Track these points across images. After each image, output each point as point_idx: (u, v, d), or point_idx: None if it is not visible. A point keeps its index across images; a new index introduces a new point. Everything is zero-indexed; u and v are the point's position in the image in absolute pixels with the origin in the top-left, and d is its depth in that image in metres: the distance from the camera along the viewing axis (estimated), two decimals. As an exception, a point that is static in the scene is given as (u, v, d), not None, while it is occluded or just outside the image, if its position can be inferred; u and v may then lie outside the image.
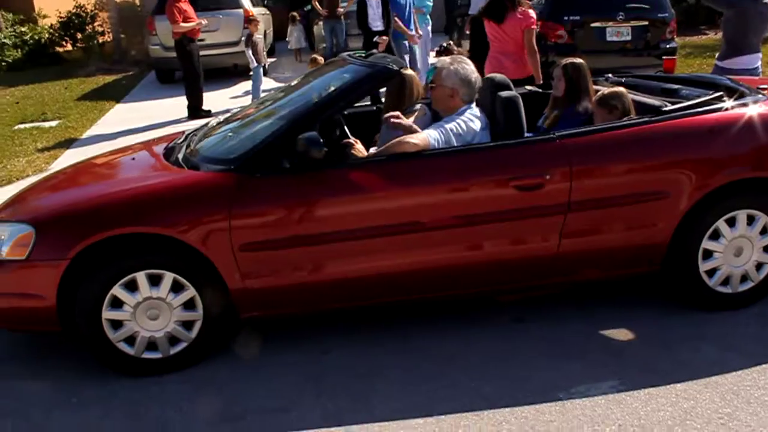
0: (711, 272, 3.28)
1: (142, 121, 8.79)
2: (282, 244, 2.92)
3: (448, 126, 3.10)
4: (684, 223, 3.15)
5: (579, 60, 3.93)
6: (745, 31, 5.02)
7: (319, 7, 11.92)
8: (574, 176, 3.00)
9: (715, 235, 3.22)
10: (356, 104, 3.80)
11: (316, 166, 2.94)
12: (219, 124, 3.81)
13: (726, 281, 3.31)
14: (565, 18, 8.17)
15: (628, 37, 8.27)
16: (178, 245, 2.90)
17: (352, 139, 3.18)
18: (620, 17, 8.23)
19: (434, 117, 3.42)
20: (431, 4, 9.52)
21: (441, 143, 3.05)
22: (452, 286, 3.16)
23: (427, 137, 3.02)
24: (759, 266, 3.33)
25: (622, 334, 3.20)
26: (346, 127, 3.43)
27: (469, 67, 3.26)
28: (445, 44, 6.56)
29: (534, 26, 5.46)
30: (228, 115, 4.11)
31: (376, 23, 8.39)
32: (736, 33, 5.08)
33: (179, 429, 2.69)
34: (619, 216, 3.11)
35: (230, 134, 3.38)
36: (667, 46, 8.37)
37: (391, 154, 3.01)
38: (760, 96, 3.40)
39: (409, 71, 3.72)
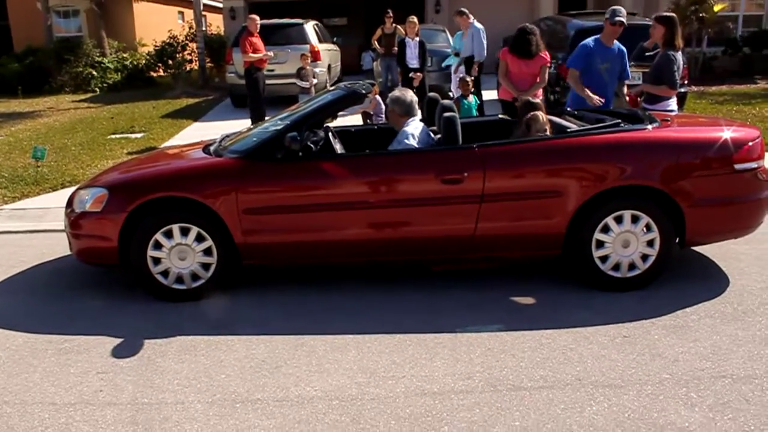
0: (604, 259, 4.23)
1: (212, 136, 10.21)
2: (270, 211, 4.12)
3: (397, 139, 4.28)
4: (577, 218, 4.13)
5: (535, 99, 5.03)
6: None
7: (377, 45, 13.16)
8: (487, 176, 4.05)
9: (606, 229, 4.17)
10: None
11: (298, 158, 4.13)
12: (249, 129, 5.11)
13: (617, 267, 4.25)
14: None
15: (639, 81, 9.17)
16: (202, 207, 4.14)
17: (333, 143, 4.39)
18: (631, 64, 9.17)
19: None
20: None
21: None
22: (395, 253, 4.24)
23: None
24: (645, 257, 4.25)
25: (525, 300, 4.20)
26: (330, 135, 4.62)
27: (404, 94, 4.47)
28: (460, 76, 7.84)
29: (549, 64, 6.69)
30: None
31: (413, 61, 9.67)
32: None
33: (191, 329, 3.92)
34: (521, 208, 4.10)
35: (249, 134, 4.65)
36: (680, 90, 9.22)
37: (352, 153, 4.19)
38: (655, 124, 4.36)
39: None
